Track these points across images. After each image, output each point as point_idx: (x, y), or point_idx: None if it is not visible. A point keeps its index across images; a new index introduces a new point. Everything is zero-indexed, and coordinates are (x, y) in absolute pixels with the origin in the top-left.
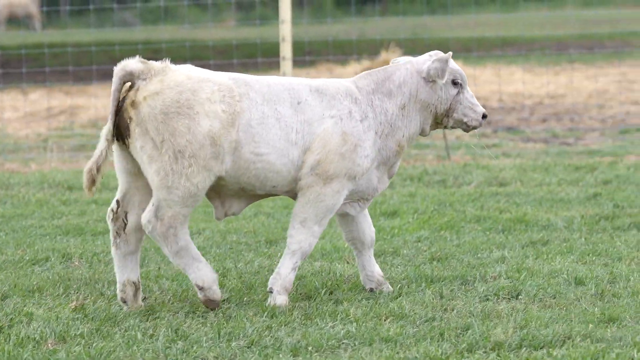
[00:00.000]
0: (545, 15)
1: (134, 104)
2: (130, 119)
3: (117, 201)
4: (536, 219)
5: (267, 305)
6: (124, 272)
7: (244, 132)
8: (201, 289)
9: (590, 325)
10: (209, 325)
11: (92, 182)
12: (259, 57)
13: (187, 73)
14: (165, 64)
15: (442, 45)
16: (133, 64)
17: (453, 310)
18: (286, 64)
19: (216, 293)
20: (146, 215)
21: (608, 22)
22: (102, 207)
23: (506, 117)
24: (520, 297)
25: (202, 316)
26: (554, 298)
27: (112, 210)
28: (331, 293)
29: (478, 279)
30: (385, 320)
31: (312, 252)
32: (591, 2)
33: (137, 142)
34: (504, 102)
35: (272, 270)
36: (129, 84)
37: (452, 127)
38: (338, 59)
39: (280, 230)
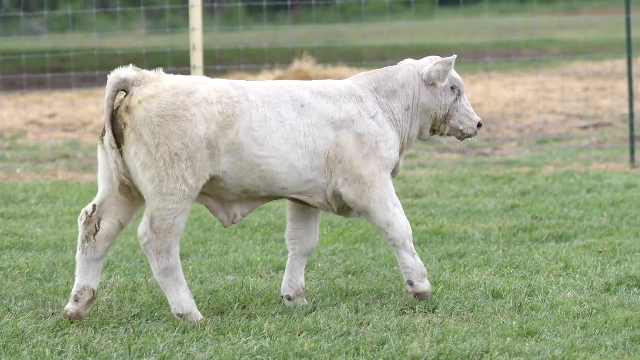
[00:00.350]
0: (461, 23)
1: (128, 109)
2: (125, 124)
3: (94, 205)
4: (453, 231)
5: (413, 295)
6: (84, 278)
7: (244, 134)
8: (180, 316)
9: (508, 339)
10: (119, 341)
11: (129, 191)
12: (169, 66)
13: (181, 77)
14: (159, 72)
15: (357, 53)
16: (127, 71)
17: (368, 324)
18: (197, 73)
19: (196, 317)
20: (142, 228)
21: (525, 30)
22: (8, 220)
23: None
24: (437, 310)
25: (112, 332)
26: (471, 311)
27: (86, 213)
28: (244, 307)
29: (394, 292)
30: (299, 335)
31: (224, 266)
32: (507, 10)
33: (131, 148)
34: None
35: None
36: (122, 93)
37: (448, 135)
38: (250, 67)
39: (191, 244)
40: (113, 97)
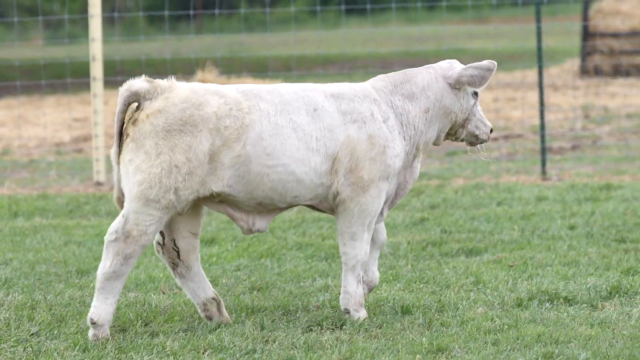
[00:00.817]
0: (368, 32)
1: (135, 122)
2: (127, 135)
3: (161, 232)
4: None
5: (355, 324)
6: (198, 295)
7: (252, 145)
8: (93, 323)
9: (418, 356)
10: (17, 359)
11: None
12: (68, 78)
13: (192, 87)
14: (172, 81)
15: (261, 64)
16: (138, 83)
17: (275, 341)
18: (97, 84)
19: (104, 332)
20: (115, 225)
21: (433, 39)
22: None
23: None
24: (344, 327)
25: (10, 351)
26: (380, 328)
27: (159, 244)
28: (146, 325)
29: (301, 308)
30: (203, 353)
31: (126, 282)
32: (415, 19)
33: (127, 155)
34: None
35: (84, 302)
36: (135, 104)
37: (462, 140)
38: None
39: (92, 260)
40: (124, 111)
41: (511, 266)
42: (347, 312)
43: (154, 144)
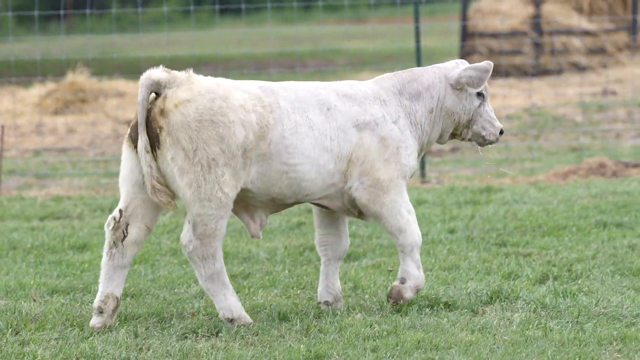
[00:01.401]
0: (243, 32)
1: (163, 112)
2: (161, 128)
3: (120, 210)
4: (237, 251)
5: (394, 294)
6: (109, 285)
7: (275, 144)
8: (231, 321)
9: None
10: None
11: (168, 196)
12: None
13: (215, 80)
14: (189, 73)
15: (134, 65)
16: (158, 73)
17: (149, 349)
18: None
19: (247, 320)
20: (186, 236)
21: (309, 40)
22: None
23: None
24: (220, 334)
25: None
26: (257, 335)
27: (114, 219)
28: (17, 333)
29: (175, 315)
30: None
31: None
32: (291, 19)
33: (168, 152)
34: None
35: None
36: (153, 95)
37: (469, 140)
38: (21, 80)
39: None
40: (147, 99)
41: (390, 271)
42: (403, 281)
43: (188, 138)
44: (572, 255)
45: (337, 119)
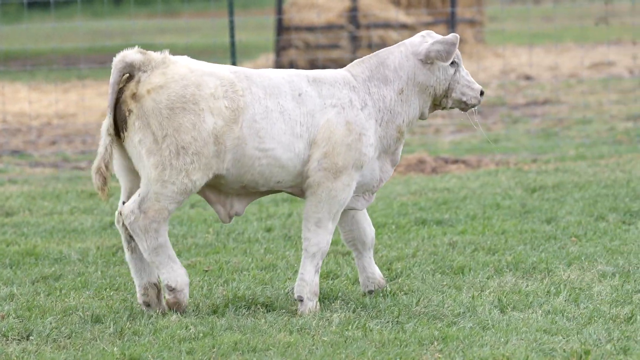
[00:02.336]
0: (52, 27)
1: (135, 96)
2: (130, 111)
3: (124, 203)
4: (47, 252)
5: (299, 314)
6: (142, 276)
7: (247, 127)
8: (172, 290)
9: None
10: None
11: (104, 181)
12: None
13: (189, 66)
14: (165, 54)
15: None
16: (132, 54)
17: None
18: None
19: (185, 297)
20: (129, 206)
21: (121, 34)
22: None
23: (11, 140)
24: (31, 337)
25: None
26: (69, 338)
27: (121, 214)
28: None
29: None
30: None
31: None
32: (101, 13)
33: (136, 135)
34: (9, 123)
35: None
36: (126, 75)
37: (451, 108)
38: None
39: None
40: (119, 82)
41: (206, 271)
42: (301, 299)
43: (159, 124)
44: (392, 254)
45: (307, 104)
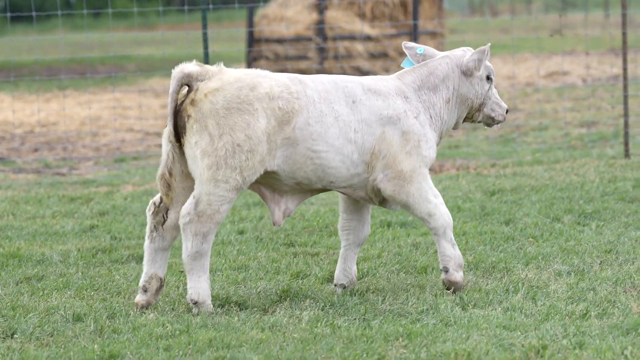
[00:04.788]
0: (34, 39)
1: (193, 102)
2: (189, 116)
3: (161, 197)
4: (30, 254)
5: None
6: (152, 266)
7: (300, 129)
8: (195, 303)
9: None
10: None
11: (169, 187)
12: None
13: (244, 70)
14: (221, 66)
15: None
16: (190, 66)
17: None
18: None
19: (209, 308)
20: (186, 207)
21: (100, 46)
22: None
23: None
24: (15, 336)
25: None
26: (52, 336)
27: (154, 204)
28: None
29: None
30: None
31: None
32: (81, 26)
33: (193, 137)
34: None
35: None
36: (186, 88)
37: (479, 122)
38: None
39: None
40: (177, 91)
41: (182, 272)
42: (447, 270)
43: (216, 124)
44: (359, 255)
45: (362, 112)
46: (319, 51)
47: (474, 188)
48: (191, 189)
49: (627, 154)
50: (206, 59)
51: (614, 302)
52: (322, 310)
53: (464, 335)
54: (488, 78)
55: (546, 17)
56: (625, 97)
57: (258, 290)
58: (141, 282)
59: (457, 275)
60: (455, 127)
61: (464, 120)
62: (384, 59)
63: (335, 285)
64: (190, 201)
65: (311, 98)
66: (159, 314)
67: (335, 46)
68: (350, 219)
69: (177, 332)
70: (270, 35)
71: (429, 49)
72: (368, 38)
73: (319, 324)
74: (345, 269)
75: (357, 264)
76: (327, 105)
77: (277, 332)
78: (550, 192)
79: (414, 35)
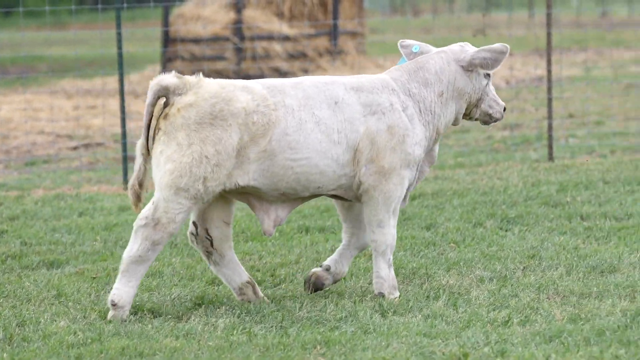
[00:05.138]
0: None
1: (166, 116)
2: (159, 129)
3: (194, 223)
4: None
5: (384, 307)
6: (234, 280)
7: (277, 141)
8: (114, 305)
9: None
10: None
11: (138, 198)
12: None
13: (220, 83)
14: (199, 77)
15: None
16: (168, 78)
17: None
18: None
19: (125, 314)
20: (145, 212)
21: (10, 46)
22: None
23: None
24: None
25: None
26: None
27: (193, 234)
28: None
29: None
30: None
31: None
32: None
33: (159, 147)
34: None
35: None
36: (163, 99)
37: (476, 119)
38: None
39: None
40: (153, 104)
41: (94, 278)
42: (382, 295)
43: (186, 135)
44: (276, 260)
45: (345, 111)
46: (237, 51)
47: None
48: (215, 203)
49: (551, 157)
50: (120, 59)
51: (537, 309)
52: (238, 317)
53: (383, 343)
54: (487, 74)
55: (469, 17)
56: (549, 100)
57: (172, 297)
58: (238, 298)
59: (392, 298)
60: (455, 123)
61: (463, 117)
62: (303, 60)
63: (320, 265)
64: (149, 206)
65: (290, 107)
66: (70, 322)
67: (253, 46)
68: (352, 227)
69: (89, 340)
70: (186, 35)
71: (426, 45)
72: (286, 38)
73: (235, 331)
74: (338, 262)
75: (273, 269)
76: (308, 111)
77: (192, 340)
78: (472, 196)
79: (333, 35)
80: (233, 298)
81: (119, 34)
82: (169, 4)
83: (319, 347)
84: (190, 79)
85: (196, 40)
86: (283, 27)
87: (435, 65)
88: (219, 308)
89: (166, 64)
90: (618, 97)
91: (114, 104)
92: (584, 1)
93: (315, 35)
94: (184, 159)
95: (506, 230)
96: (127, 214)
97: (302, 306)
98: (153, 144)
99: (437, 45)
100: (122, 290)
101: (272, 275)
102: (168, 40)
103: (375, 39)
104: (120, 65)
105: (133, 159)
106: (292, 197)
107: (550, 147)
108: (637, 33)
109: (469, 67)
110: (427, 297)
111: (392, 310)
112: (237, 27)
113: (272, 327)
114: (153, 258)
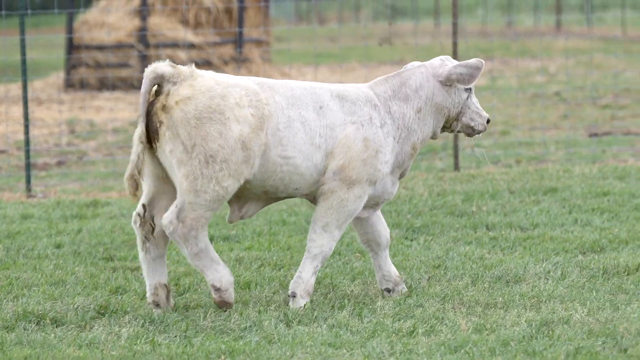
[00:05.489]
0: None
1: (165, 108)
2: (161, 122)
3: (144, 205)
4: None
5: (289, 308)
6: (154, 276)
7: (272, 135)
8: (217, 289)
9: None
10: None
11: (136, 187)
12: None
13: (215, 78)
14: (192, 68)
15: None
16: (163, 67)
17: None
18: None
19: (231, 296)
20: (168, 216)
21: None
22: None
23: None
24: None
25: None
26: None
27: (139, 215)
28: None
29: None
30: None
31: None
32: None
33: (167, 145)
34: None
35: None
36: (155, 87)
37: (459, 132)
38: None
39: None
40: (149, 91)
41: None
42: (294, 295)
43: (187, 134)
44: (180, 269)
45: (328, 116)
46: (141, 59)
47: (299, 201)
48: (171, 192)
49: (456, 167)
50: (24, 66)
51: (442, 319)
52: (142, 326)
53: (288, 353)
54: (467, 88)
55: (375, 26)
56: None
57: (75, 306)
58: (149, 298)
59: (301, 301)
60: (433, 137)
61: (442, 130)
62: (208, 67)
63: (382, 290)
64: (172, 210)
65: (279, 104)
66: None
67: (158, 54)
68: (364, 233)
69: None
70: (90, 42)
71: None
72: (192, 46)
73: (139, 341)
74: (385, 275)
75: (177, 279)
76: (295, 110)
77: (95, 350)
78: None
79: (238, 43)
80: (137, 307)
81: (22, 41)
82: (74, 11)
83: (223, 357)
84: (183, 68)
85: (100, 47)
86: (188, 35)
87: (417, 81)
88: (122, 317)
89: (70, 70)
90: (523, 107)
91: (17, 110)
92: (489, 11)
93: (220, 43)
94: (193, 162)
95: (411, 240)
96: (30, 221)
97: (206, 315)
98: (157, 137)
99: (341, 55)
100: (219, 275)
101: (176, 284)
102: (72, 47)
103: (280, 47)
104: (24, 72)
105: (36, 166)
106: (271, 196)
107: (456, 157)
108: (543, 43)
109: (447, 82)
110: (332, 306)
111: (296, 319)
112: (142, 35)
113: (176, 336)
114: (207, 242)
